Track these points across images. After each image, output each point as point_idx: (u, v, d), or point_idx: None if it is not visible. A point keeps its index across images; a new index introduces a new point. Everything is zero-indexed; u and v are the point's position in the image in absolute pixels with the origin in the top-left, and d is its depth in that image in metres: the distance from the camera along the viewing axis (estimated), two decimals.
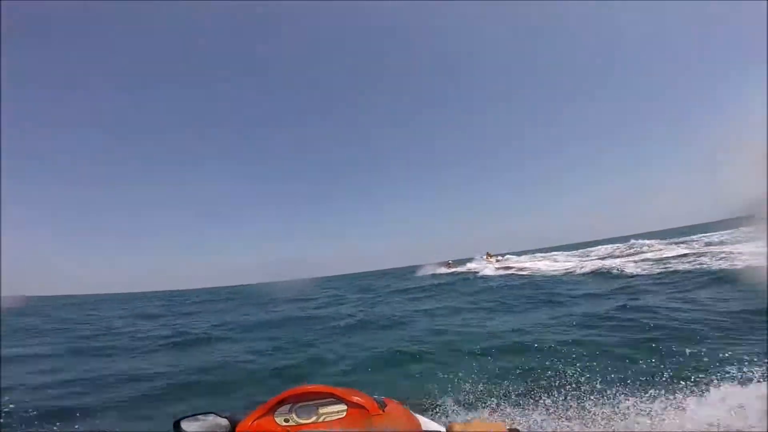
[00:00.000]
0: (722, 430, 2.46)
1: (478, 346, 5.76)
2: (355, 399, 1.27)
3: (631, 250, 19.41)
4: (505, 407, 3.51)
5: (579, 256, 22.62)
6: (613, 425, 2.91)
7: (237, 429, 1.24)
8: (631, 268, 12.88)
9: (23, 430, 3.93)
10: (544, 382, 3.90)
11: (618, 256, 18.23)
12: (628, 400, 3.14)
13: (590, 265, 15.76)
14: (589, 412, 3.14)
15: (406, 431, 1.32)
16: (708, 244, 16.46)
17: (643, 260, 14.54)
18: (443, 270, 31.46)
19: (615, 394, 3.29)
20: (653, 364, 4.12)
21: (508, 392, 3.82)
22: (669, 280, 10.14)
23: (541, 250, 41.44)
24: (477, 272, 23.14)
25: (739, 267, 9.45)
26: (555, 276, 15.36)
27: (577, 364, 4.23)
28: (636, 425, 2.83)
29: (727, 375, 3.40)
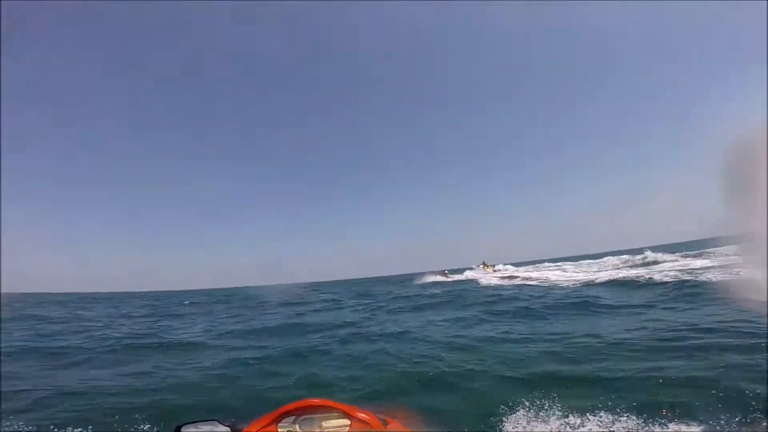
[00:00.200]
0: (722, 430, 2.44)
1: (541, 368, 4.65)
2: (360, 415, 1.39)
3: (643, 261, 18.39)
4: None
5: (588, 266, 21.95)
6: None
7: None
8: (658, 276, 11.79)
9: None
10: None
11: (632, 266, 17.15)
12: None
13: (606, 275, 14.63)
14: None
15: None
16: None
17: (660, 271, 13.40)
18: (441, 278, 30.25)
19: None
20: None
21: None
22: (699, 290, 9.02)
23: (533, 262, 40.16)
24: (477, 281, 22.55)
25: None
26: (574, 286, 14.04)
27: None
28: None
29: None
